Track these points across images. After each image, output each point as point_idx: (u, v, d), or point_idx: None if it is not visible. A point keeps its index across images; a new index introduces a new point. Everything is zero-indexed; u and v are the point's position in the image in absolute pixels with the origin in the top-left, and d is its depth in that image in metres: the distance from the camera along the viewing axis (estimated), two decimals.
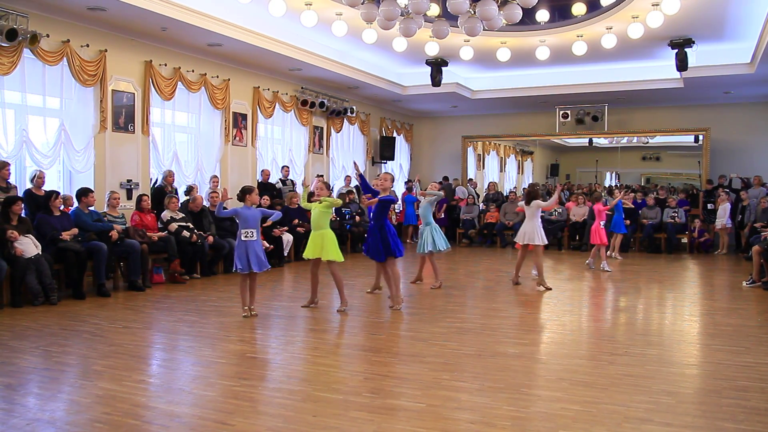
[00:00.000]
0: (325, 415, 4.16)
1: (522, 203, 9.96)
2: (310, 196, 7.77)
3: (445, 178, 18.59)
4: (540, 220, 9.62)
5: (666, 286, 10.13)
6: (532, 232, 9.38)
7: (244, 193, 7.23)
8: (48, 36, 9.04)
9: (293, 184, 14.00)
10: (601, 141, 18.84)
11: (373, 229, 7.87)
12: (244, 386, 4.77)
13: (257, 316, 7.25)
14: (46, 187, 8.83)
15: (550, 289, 9.25)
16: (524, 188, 18.38)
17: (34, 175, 8.77)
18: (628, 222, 14.48)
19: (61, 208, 8.74)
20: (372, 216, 8.02)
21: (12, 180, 8.66)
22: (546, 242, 9.66)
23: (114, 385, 4.77)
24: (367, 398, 4.49)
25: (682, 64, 12.57)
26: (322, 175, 14.77)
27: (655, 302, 9.09)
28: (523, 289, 9.69)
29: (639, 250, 15.15)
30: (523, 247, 9.58)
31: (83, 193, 8.93)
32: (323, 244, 7.51)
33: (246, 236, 7.07)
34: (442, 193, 9.67)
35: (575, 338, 6.61)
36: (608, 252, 12.49)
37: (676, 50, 12.51)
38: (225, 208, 7.10)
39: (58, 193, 8.67)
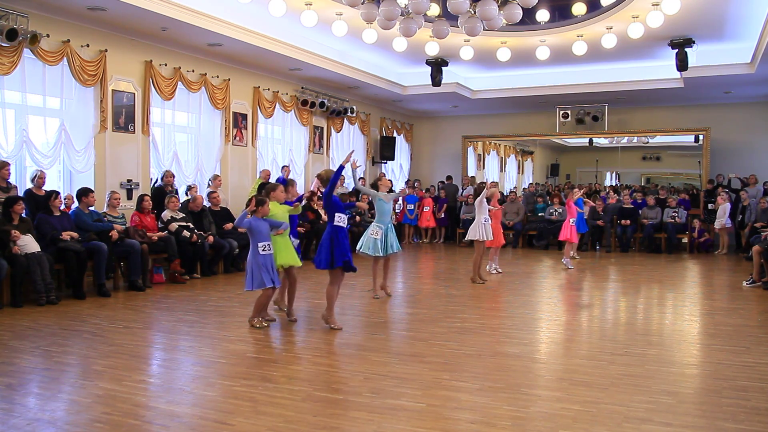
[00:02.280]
0: (325, 415, 4.16)
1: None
2: (259, 205, 6.71)
3: (449, 178, 18.59)
4: (484, 217, 9.91)
5: (666, 286, 10.12)
6: (474, 228, 9.91)
7: (258, 205, 6.70)
8: (48, 36, 9.04)
9: (294, 184, 13.96)
10: (601, 141, 18.84)
11: (344, 233, 6.77)
12: (244, 386, 4.77)
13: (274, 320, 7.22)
14: (47, 187, 8.84)
15: (484, 281, 9.92)
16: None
17: (35, 175, 8.78)
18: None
19: (62, 207, 8.75)
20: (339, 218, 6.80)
21: (12, 180, 8.66)
22: (486, 239, 9.91)
23: (114, 385, 4.78)
24: (367, 398, 4.49)
25: (682, 63, 12.57)
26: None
27: (655, 302, 9.09)
28: (523, 288, 9.71)
29: (639, 250, 15.14)
30: (488, 243, 10.12)
31: (83, 193, 8.93)
32: (291, 250, 7.15)
33: (264, 250, 6.65)
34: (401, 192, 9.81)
35: (575, 338, 6.62)
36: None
37: (677, 50, 12.51)
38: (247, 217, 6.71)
39: (58, 193, 8.68)
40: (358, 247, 8.37)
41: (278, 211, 7.03)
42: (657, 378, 4.97)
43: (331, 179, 6.72)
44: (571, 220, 11.78)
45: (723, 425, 3.98)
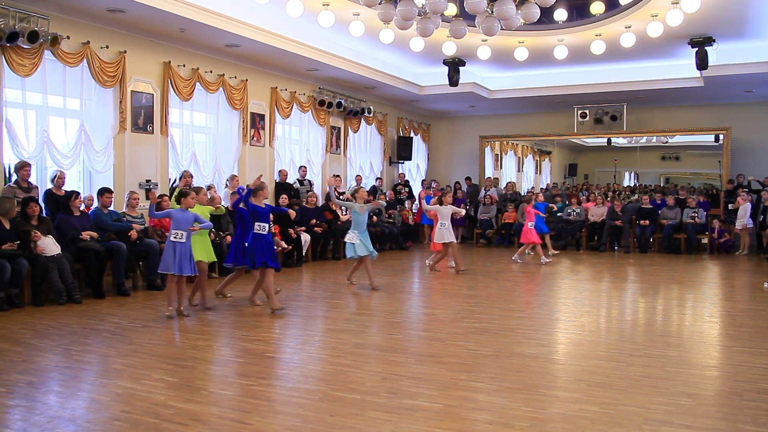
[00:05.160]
0: (342, 415, 4.17)
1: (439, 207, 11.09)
2: (181, 197, 7.35)
3: (468, 179, 18.54)
4: (441, 222, 10.85)
5: (686, 287, 10.02)
6: (445, 231, 10.82)
7: (180, 196, 7.33)
8: (68, 38, 9.13)
9: (311, 184, 14.03)
10: (619, 141, 18.66)
11: (264, 238, 7.63)
12: (262, 385, 4.79)
13: (188, 316, 7.30)
14: (67, 187, 8.94)
15: (465, 270, 11.06)
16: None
17: (55, 176, 8.88)
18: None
19: (82, 207, 8.84)
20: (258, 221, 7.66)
21: (33, 180, 8.77)
22: (447, 240, 10.81)
23: (133, 383, 4.82)
24: (384, 398, 4.48)
25: (702, 62, 12.43)
26: (338, 176, 14.80)
27: (674, 303, 9.00)
28: (542, 289, 9.66)
29: (658, 250, 15.00)
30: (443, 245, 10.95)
31: (101, 193, 9.05)
32: (209, 247, 8.14)
33: (175, 237, 7.12)
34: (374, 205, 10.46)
35: (593, 339, 6.57)
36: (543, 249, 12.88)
37: (696, 49, 12.37)
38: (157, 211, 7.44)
39: (78, 193, 8.78)
40: (348, 256, 9.24)
41: (201, 211, 7.72)
42: (677, 380, 4.92)
43: (244, 195, 7.68)
44: (529, 224, 12.31)
45: (744, 428, 3.93)
